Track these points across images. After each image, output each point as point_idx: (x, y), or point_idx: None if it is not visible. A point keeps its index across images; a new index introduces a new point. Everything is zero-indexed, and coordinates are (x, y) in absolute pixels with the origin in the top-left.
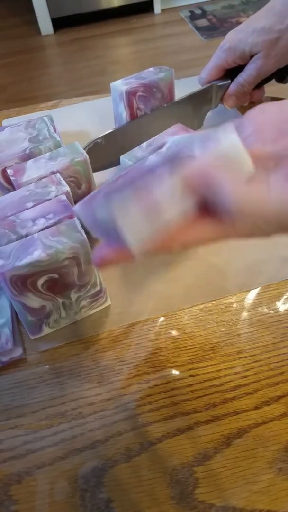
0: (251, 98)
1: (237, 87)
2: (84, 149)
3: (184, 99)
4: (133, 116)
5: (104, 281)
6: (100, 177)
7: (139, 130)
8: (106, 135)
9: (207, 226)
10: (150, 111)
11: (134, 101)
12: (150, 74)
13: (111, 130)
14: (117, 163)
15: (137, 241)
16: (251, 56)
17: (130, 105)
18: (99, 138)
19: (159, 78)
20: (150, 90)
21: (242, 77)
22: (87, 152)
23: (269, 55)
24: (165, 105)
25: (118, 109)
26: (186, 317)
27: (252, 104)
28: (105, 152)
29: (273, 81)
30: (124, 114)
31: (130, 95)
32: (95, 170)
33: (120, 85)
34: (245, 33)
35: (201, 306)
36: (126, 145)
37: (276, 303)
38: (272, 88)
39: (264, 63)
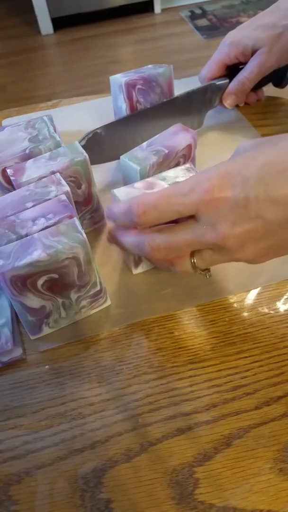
0: (248, 99)
1: (237, 85)
2: (84, 138)
3: (184, 96)
4: (133, 109)
5: (104, 281)
6: (100, 177)
7: (139, 124)
8: (106, 125)
9: None
10: (150, 106)
11: (134, 94)
12: (149, 69)
13: (111, 122)
14: (116, 157)
15: None
16: (253, 53)
17: (129, 97)
18: (98, 128)
19: (158, 73)
20: (149, 84)
21: (243, 75)
22: (87, 142)
23: (272, 51)
24: (165, 100)
25: (117, 102)
26: (186, 317)
27: (248, 105)
28: (104, 144)
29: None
30: (124, 107)
31: (130, 87)
32: (94, 163)
33: (119, 77)
34: (249, 29)
35: (201, 306)
36: (126, 138)
37: (276, 303)
38: (272, 88)
39: (266, 59)
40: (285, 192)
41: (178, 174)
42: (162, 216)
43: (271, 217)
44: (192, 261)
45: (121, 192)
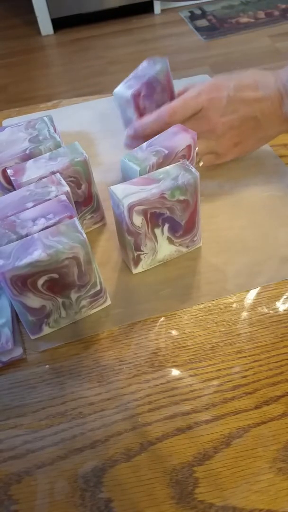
0: None
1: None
2: None
3: None
4: (142, 116)
5: (104, 281)
6: (100, 177)
7: None
8: None
9: None
10: (156, 106)
11: (140, 102)
12: (146, 69)
13: None
14: None
15: None
16: None
17: (137, 107)
18: None
19: (156, 72)
20: (151, 86)
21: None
22: None
23: None
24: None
25: (126, 114)
26: (186, 317)
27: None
28: None
29: None
30: (134, 117)
31: (136, 97)
32: None
33: (124, 91)
34: None
35: (201, 306)
36: None
37: (276, 303)
38: None
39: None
40: (248, 95)
41: (174, 171)
42: (185, 113)
43: (242, 111)
44: None
45: (118, 189)
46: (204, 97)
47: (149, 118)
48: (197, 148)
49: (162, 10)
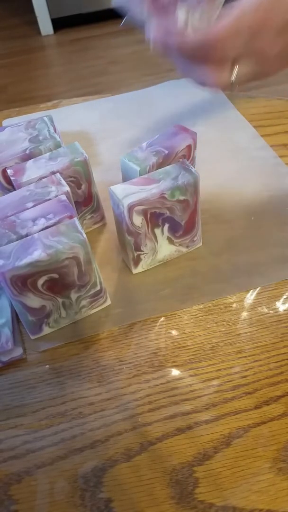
0: None
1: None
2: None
3: None
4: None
5: (104, 281)
6: (100, 177)
7: None
8: None
9: None
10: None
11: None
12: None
13: None
14: None
15: None
16: None
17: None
18: None
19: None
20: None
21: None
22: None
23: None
24: None
25: (137, 15)
26: (186, 317)
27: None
28: None
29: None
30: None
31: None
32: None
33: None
34: None
35: (201, 306)
36: None
37: (276, 303)
38: (271, 89)
39: None
40: None
41: (174, 171)
42: (236, 42)
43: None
44: (234, 68)
45: (118, 189)
46: (261, 14)
47: (190, 41)
48: (234, 75)
49: None
